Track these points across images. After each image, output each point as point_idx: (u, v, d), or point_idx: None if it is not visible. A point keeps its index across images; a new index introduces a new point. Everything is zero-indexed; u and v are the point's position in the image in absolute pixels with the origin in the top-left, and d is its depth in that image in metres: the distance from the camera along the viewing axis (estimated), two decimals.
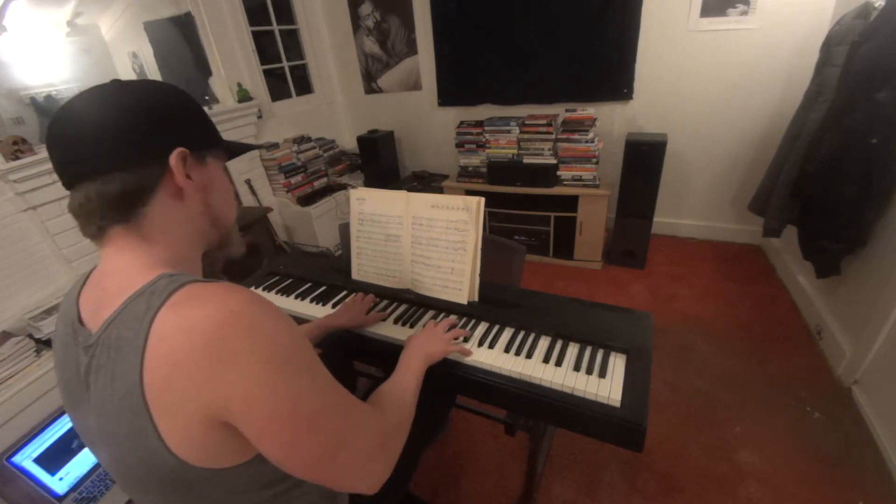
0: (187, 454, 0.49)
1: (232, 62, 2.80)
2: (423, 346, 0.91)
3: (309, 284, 1.32)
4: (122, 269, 0.55)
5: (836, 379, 1.69)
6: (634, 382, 0.85)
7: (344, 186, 3.30)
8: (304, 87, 3.44)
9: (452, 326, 1.02)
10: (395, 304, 1.17)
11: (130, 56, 2.76)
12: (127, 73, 2.74)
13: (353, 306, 1.11)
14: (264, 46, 3.03)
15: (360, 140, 3.38)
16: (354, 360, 1.39)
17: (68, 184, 0.55)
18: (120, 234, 0.55)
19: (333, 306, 1.20)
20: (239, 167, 2.82)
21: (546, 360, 0.93)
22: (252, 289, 1.33)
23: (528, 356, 0.94)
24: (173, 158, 0.54)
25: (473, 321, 1.07)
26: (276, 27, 3.11)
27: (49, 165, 1.90)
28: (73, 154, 0.53)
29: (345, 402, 0.58)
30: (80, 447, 1.33)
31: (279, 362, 0.50)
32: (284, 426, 0.50)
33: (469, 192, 2.07)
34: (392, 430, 0.66)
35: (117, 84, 0.55)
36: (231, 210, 0.67)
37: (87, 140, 0.52)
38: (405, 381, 0.80)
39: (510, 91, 2.94)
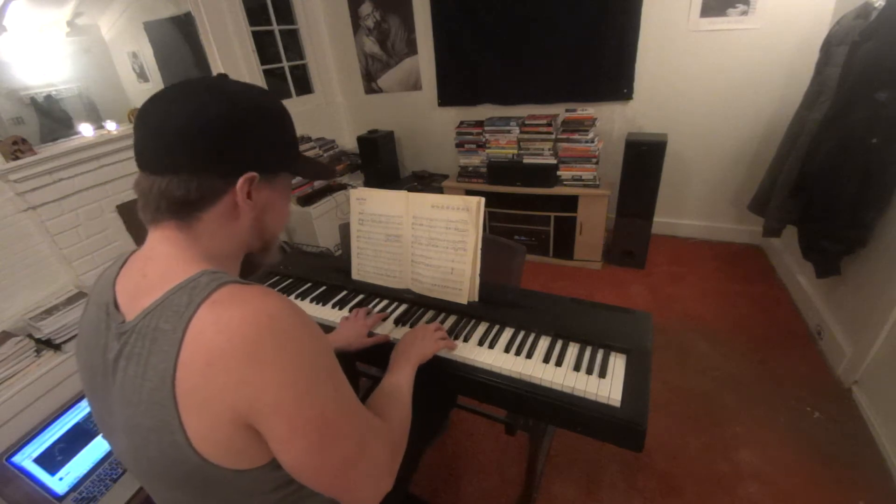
0: (209, 452, 0.50)
1: (232, 62, 2.79)
2: (412, 348, 0.90)
3: (309, 284, 1.32)
4: (165, 257, 0.55)
5: (836, 379, 1.69)
6: (634, 382, 0.85)
7: (344, 186, 3.30)
8: (304, 87, 3.44)
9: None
10: (395, 304, 1.17)
11: (130, 56, 2.76)
12: (127, 73, 2.74)
13: (354, 326, 1.05)
14: (264, 46, 3.03)
15: (360, 140, 3.37)
16: (356, 360, 1.39)
17: (142, 168, 0.55)
18: (172, 227, 0.56)
19: (333, 306, 1.20)
20: None
21: (546, 360, 0.93)
22: None
23: (529, 356, 0.94)
24: (241, 182, 0.55)
25: (473, 321, 1.07)
26: (276, 27, 3.11)
27: (49, 165, 1.90)
28: (151, 145, 0.53)
29: (362, 413, 0.59)
30: (81, 447, 1.33)
31: (309, 369, 0.51)
32: (311, 431, 0.50)
33: (469, 192, 2.07)
34: (398, 442, 0.67)
35: (219, 84, 0.56)
36: (280, 227, 0.67)
37: (167, 137, 0.52)
38: (400, 388, 0.79)
39: (510, 91, 2.93)
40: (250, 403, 0.48)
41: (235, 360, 0.47)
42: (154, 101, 0.54)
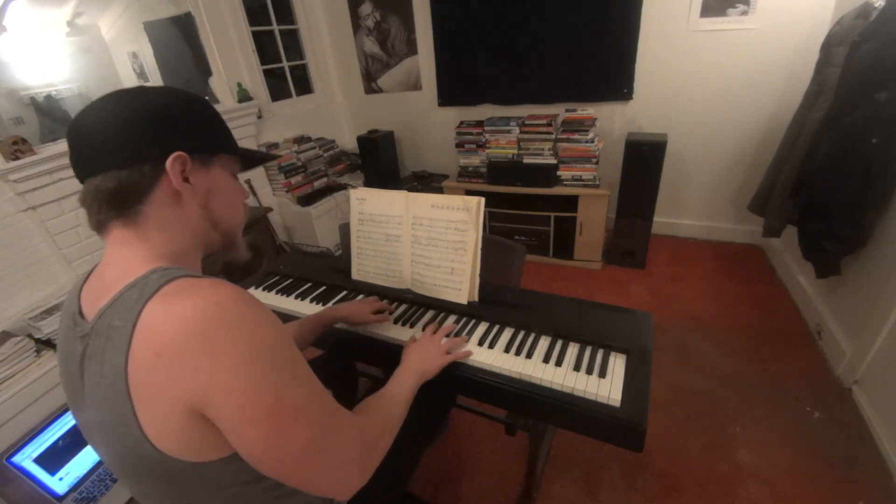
0: (165, 445, 0.50)
1: (232, 62, 2.80)
2: (419, 363, 0.89)
3: (309, 284, 1.32)
4: (121, 261, 0.56)
5: (836, 379, 1.69)
6: (634, 382, 0.85)
7: (344, 186, 3.30)
8: (304, 87, 3.44)
9: (449, 334, 1.00)
10: (395, 304, 1.17)
11: (130, 56, 2.75)
12: (127, 73, 2.74)
13: (360, 303, 1.11)
14: (264, 46, 3.03)
15: (360, 140, 3.38)
16: (356, 360, 1.39)
17: (79, 178, 0.57)
18: (118, 228, 0.57)
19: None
20: None
21: (546, 360, 0.93)
22: (252, 289, 1.33)
23: (528, 356, 0.94)
24: (169, 162, 0.55)
25: (473, 321, 1.07)
26: (276, 27, 3.11)
27: (49, 165, 1.90)
28: (82, 150, 0.56)
29: (326, 404, 0.58)
30: (80, 447, 1.33)
31: (262, 356, 0.51)
32: (265, 420, 0.50)
33: (469, 192, 2.07)
34: (373, 440, 0.65)
35: (137, 89, 0.58)
36: (235, 216, 0.67)
37: (94, 138, 0.54)
38: (396, 395, 0.79)
39: (510, 91, 2.94)
40: (202, 392, 0.47)
41: (185, 349, 0.47)
42: (80, 114, 0.56)
